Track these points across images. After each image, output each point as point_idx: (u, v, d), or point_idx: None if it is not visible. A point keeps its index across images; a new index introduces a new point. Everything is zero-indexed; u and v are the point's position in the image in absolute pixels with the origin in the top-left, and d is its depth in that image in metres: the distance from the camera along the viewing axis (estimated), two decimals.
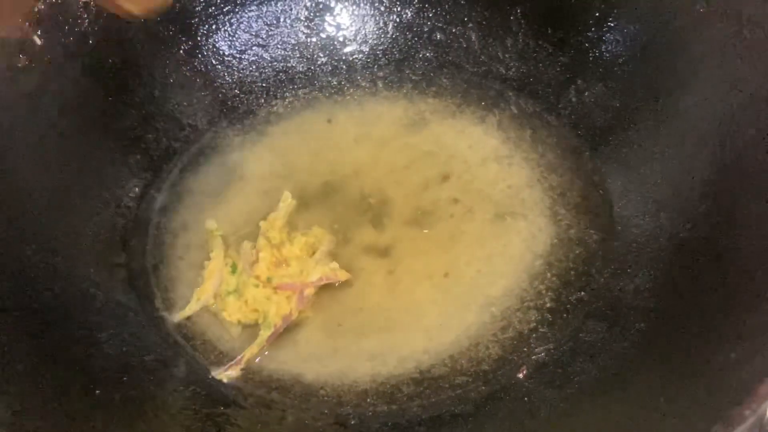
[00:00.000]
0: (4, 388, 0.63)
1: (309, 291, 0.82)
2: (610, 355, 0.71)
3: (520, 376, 0.75)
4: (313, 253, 0.86)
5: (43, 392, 0.66)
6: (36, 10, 0.87)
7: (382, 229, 0.90)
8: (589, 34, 0.97)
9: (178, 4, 1.00)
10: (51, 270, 0.80)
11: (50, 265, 0.80)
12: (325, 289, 0.84)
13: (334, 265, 0.84)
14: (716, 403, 0.52)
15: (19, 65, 0.85)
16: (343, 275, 0.84)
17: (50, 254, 0.81)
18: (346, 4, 1.10)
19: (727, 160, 0.75)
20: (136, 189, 0.96)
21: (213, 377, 0.78)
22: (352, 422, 0.73)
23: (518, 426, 0.68)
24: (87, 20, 0.92)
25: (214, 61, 1.06)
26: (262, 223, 0.87)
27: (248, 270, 0.81)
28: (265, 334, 0.79)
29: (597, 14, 0.95)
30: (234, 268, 0.84)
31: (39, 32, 0.87)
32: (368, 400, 0.75)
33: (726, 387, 0.54)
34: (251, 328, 0.82)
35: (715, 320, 0.64)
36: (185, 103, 1.04)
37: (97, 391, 0.70)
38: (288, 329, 0.81)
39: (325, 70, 1.10)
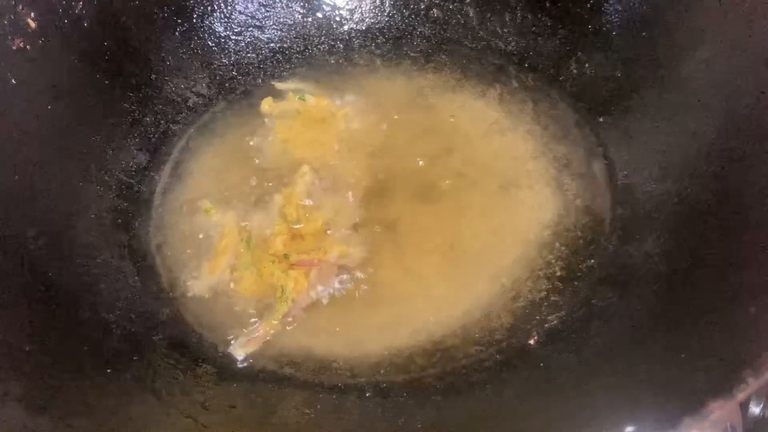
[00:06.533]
0: (16, 366, 0.62)
1: (327, 269, 0.81)
2: (625, 319, 0.70)
3: (532, 342, 0.74)
4: (328, 228, 0.85)
5: (54, 371, 0.65)
6: None
7: (387, 204, 0.90)
8: (588, 5, 0.96)
9: None
10: (54, 252, 0.78)
11: (53, 247, 0.78)
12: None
13: (352, 245, 0.83)
14: (742, 352, 0.52)
15: (14, 48, 0.83)
16: (359, 256, 0.83)
17: (52, 237, 0.79)
18: None
19: (732, 124, 0.75)
20: (137, 172, 0.95)
21: (225, 354, 0.77)
22: (368, 394, 0.72)
23: (536, 391, 0.68)
24: (81, 3, 0.90)
25: (210, 43, 1.05)
26: (277, 197, 0.86)
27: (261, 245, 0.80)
28: (281, 309, 0.78)
29: None
30: (249, 243, 0.83)
31: (33, 15, 0.85)
32: (382, 371, 0.75)
33: (750, 337, 0.54)
34: (265, 305, 0.81)
35: (729, 279, 0.64)
36: (182, 86, 1.02)
37: (108, 370, 0.69)
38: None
39: (322, 49, 1.09)
